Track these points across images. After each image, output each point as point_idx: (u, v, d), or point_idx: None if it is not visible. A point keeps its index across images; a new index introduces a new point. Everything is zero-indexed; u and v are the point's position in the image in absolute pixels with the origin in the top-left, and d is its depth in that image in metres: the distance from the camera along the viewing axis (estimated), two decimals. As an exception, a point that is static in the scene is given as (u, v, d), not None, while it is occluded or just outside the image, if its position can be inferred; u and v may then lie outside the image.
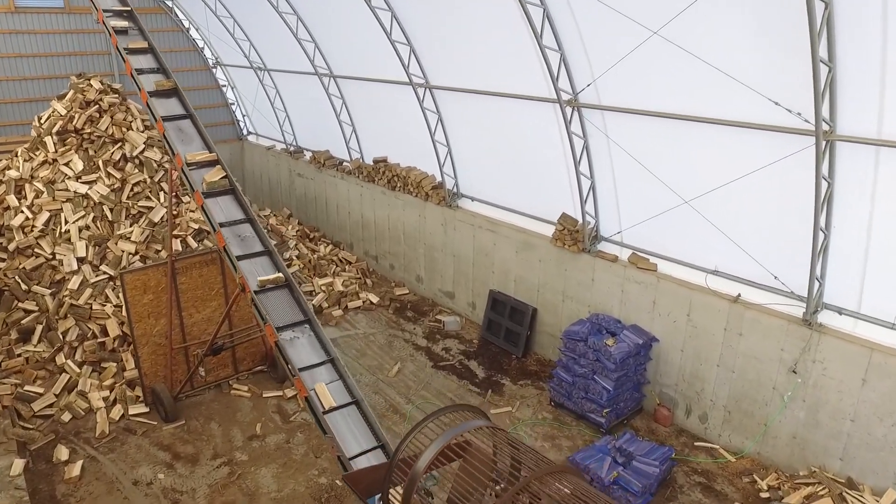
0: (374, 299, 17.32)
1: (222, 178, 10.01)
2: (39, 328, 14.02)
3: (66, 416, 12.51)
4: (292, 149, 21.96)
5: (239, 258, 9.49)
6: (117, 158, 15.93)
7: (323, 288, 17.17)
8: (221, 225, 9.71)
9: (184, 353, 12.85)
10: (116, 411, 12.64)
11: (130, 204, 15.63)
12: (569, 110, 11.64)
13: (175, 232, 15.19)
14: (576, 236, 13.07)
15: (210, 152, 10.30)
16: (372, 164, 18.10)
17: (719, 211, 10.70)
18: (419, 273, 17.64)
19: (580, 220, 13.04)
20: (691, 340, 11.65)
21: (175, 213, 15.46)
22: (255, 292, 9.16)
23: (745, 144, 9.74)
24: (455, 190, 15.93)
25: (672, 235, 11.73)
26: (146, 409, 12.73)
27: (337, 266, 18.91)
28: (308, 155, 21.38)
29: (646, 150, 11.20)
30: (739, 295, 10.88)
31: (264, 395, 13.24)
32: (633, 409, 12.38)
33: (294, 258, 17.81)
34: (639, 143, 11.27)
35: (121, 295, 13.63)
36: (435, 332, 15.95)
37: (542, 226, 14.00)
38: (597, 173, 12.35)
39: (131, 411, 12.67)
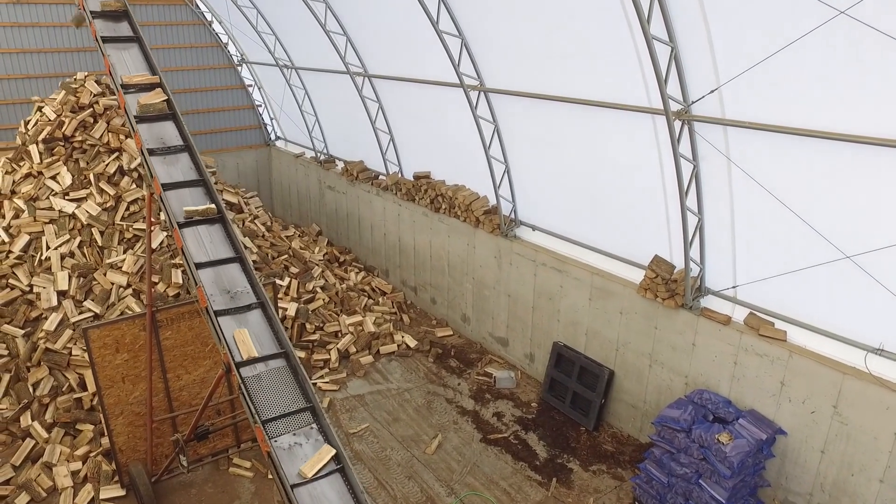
0: (412, 343, 14.50)
1: (162, 100, 7.87)
2: (6, 378, 11.59)
3: (23, 499, 10.02)
4: (322, 158, 19.31)
5: (168, 186, 7.33)
6: (112, 171, 13.46)
7: (351, 328, 14.41)
8: (152, 152, 7.54)
9: (171, 424, 10.23)
10: (85, 494, 10.10)
11: (125, 226, 13.12)
12: (677, 124, 8.60)
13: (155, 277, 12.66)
14: (672, 287, 10.02)
15: (153, 75, 8.22)
16: (412, 179, 15.28)
17: (891, 269, 7.58)
18: (465, 312, 14.74)
19: (680, 267, 10.00)
20: (838, 441, 8.50)
21: (155, 250, 12.94)
22: (238, 365, 6.40)
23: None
24: (513, 216, 12.99)
25: (812, 295, 8.61)
26: (122, 493, 10.16)
27: (369, 298, 16.15)
28: (340, 165, 18.69)
29: (786, 181, 8.12)
30: (922, 390, 7.72)
31: (270, 476, 10.52)
32: (749, 524, 9.29)
33: (318, 290, 15.10)
34: (775, 172, 8.18)
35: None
36: (484, 389, 13.04)
37: (627, 269, 10.97)
38: (708, 208, 9.28)
39: (103, 495, 10.12)
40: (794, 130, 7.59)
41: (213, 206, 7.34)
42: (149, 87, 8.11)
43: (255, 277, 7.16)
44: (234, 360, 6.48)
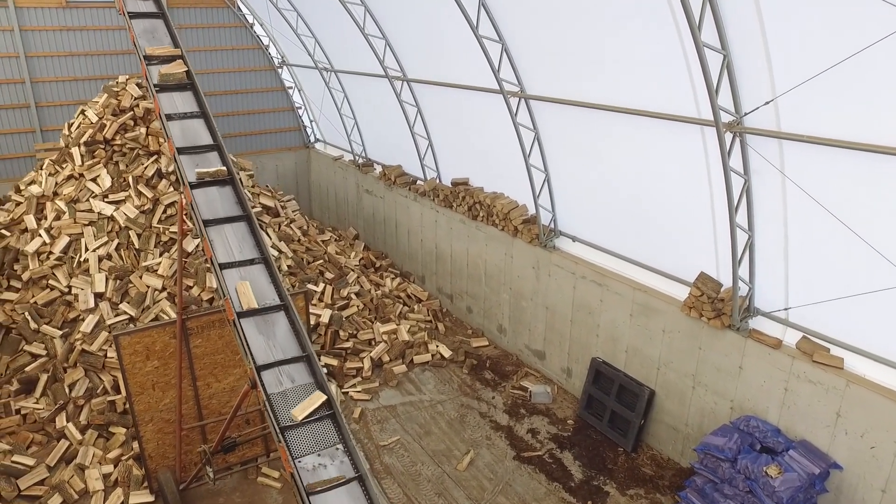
0: (446, 353, 14.20)
1: (182, 71, 7.95)
2: (44, 378, 11.68)
3: (56, 500, 10.05)
4: (361, 161, 19.16)
5: (182, 150, 7.36)
6: (150, 174, 13.49)
7: (385, 337, 14.18)
8: (169, 117, 7.59)
9: (200, 432, 10.14)
10: (115, 499, 10.09)
11: (161, 229, 13.14)
12: (728, 137, 8.12)
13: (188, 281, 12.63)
14: (719, 306, 9.51)
15: (175, 48, 8.32)
16: (450, 186, 15.00)
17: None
18: (502, 323, 14.39)
19: (727, 286, 9.49)
20: (899, 479, 7.92)
21: (189, 254, 12.88)
22: (259, 369, 6.22)
23: None
24: (552, 226, 12.59)
25: (873, 321, 8.04)
26: (151, 499, 10.12)
27: (404, 305, 15.91)
28: (378, 169, 18.52)
29: (846, 199, 7.58)
30: None
31: (298, 488, 10.34)
32: (798, 562, 8.73)
33: (353, 296, 14.92)
34: (834, 189, 7.65)
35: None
36: (519, 403, 12.67)
37: (670, 285, 10.50)
38: (759, 225, 8.76)
39: (133, 500, 10.09)
40: (855, 146, 7.06)
41: (223, 168, 7.33)
42: (170, 59, 8.28)
43: (279, 279, 6.95)
44: (255, 365, 6.26)
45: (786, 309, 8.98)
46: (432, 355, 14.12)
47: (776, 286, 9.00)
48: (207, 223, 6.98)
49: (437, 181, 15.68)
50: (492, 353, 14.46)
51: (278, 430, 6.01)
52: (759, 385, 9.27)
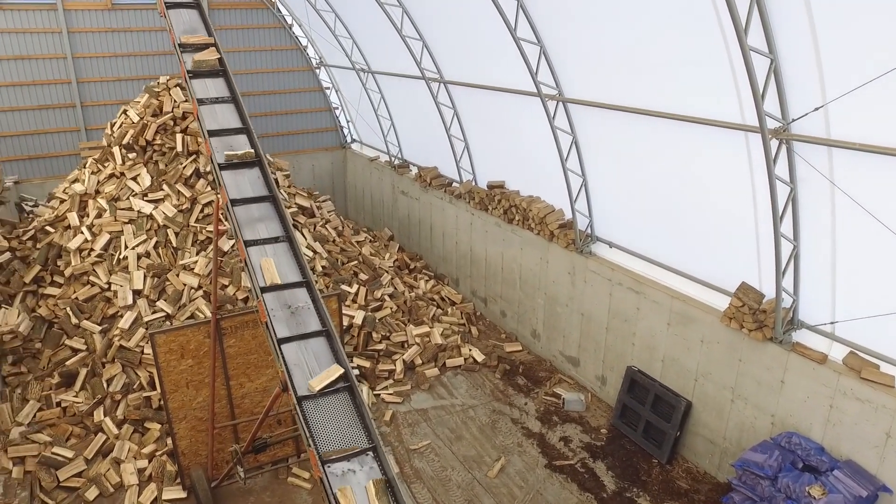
0: (479, 357, 14.08)
1: (215, 58, 8.31)
2: (84, 372, 11.89)
3: (93, 493, 10.25)
4: (396, 162, 19.16)
5: (212, 132, 7.56)
6: (189, 174, 13.66)
7: (418, 339, 14.13)
8: (201, 102, 7.87)
9: (232, 431, 10.21)
10: (149, 493, 10.22)
11: (198, 228, 13.29)
12: (774, 144, 7.84)
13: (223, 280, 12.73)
14: (761, 318, 9.21)
15: (208, 36, 8.70)
16: (486, 188, 14.88)
17: None
18: (536, 328, 14.22)
19: (770, 297, 9.19)
20: (951, 504, 7.56)
21: (225, 253, 12.99)
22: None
23: None
24: (589, 232, 12.38)
25: (925, 337, 7.69)
26: (183, 495, 10.23)
27: (438, 308, 15.83)
28: (413, 171, 18.48)
29: (899, 210, 7.25)
30: None
31: (328, 489, 10.34)
32: (841, 587, 8.40)
33: (386, 297, 14.90)
34: (887, 199, 7.32)
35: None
36: (552, 410, 12.49)
37: (710, 294, 10.22)
38: (805, 235, 8.46)
39: (166, 495, 10.22)
40: (911, 155, 6.74)
41: (251, 150, 7.51)
42: (204, 47, 8.58)
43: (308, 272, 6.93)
44: (289, 378, 6.24)
45: (832, 323, 8.65)
46: (465, 359, 14.02)
47: (822, 298, 8.68)
48: (242, 226, 7.02)
49: (473, 183, 15.57)
50: (525, 358, 14.30)
51: (309, 436, 5.99)
52: (802, 401, 8.95)
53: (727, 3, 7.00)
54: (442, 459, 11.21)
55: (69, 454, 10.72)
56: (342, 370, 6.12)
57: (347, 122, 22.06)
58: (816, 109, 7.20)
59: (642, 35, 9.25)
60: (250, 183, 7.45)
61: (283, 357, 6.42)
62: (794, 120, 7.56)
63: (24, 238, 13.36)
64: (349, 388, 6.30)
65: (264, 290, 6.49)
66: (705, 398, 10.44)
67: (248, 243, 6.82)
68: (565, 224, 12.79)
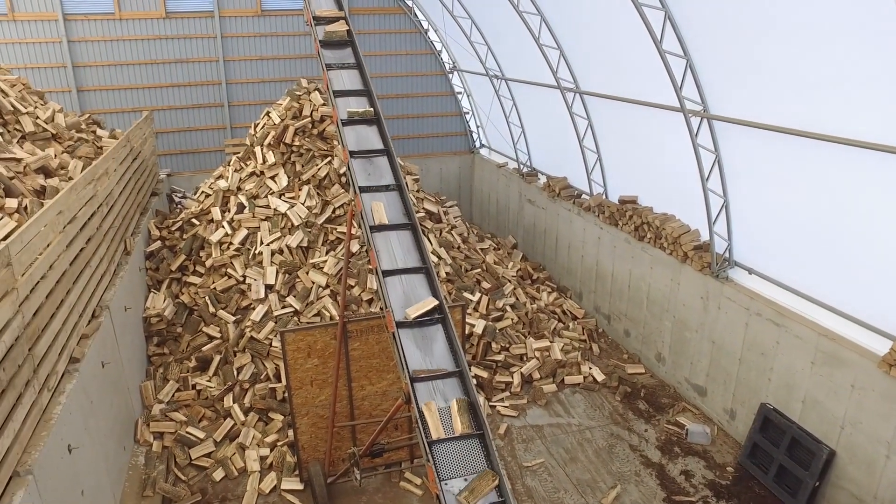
0: (599, 377, 13.61)
1: (344, 29, 8.96)
2: (217, 359, 12.62)
3: (219, 474, 10.82)
4: (525, 170, 18.94)
5: (338, 93, 8.21)
6: (322, 175, 14.15)
7: (537, 353, 13.86)
8: (329, 67, 8.53)
9: (350, 431, 10.43)
10: (269, 481, 10.65)
11: (329, 229, 13.73)
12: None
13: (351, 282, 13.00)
14: (927, 366, 8.21)
15: (339, 10, 9.39)
16: (617, 203, 14.35)
17: None
18: (661, 351, 13.54)
19: (940, 344, 8.18)
20: None
21: (353, 254, 13.26)
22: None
23: None
24: (727, 256, 11.61)
25: None
26: (300, 487, 10.57)
27: (559, 321, 15.48)
28: (542, 180, 18.20)
29: None
30: None
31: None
32: None
33: (508, 308, 14.73)
34: None
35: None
36: (674, 441, 11.84)
37: (866, 335, 9.26)
38: None
39: (284, 485, 10.60)
40: None
41: (370, 109, 8.07)
42: (335, 20, 9.19)
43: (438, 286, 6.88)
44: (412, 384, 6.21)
45: None
46: (584, 377, 13.59)
47: None
48: (374, 229, 7.10)
49: (604, 197, 15.08)
50: (648, 381, 13.66)
51: (428, 449, 5.95)
52: (974, 465, 7.90)
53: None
54: (555, 480, 10.90)
55: (201, 435, 11.39)
56: (436, 301, 6.55)
57: (477, 127, 22.10)
58: None
59: (801, 47, 8.50)
60: (368, 138, 8.02)
61: (407, 367, 6.41)
62: None
63: (174, 228, 14.37)
64: (443, 319, 6.60)
65: (373, 228, 6.99)
66: (853, 449, 9.47)
67: (362, 189, 7.34)
68: (701, 246, 12.07)
